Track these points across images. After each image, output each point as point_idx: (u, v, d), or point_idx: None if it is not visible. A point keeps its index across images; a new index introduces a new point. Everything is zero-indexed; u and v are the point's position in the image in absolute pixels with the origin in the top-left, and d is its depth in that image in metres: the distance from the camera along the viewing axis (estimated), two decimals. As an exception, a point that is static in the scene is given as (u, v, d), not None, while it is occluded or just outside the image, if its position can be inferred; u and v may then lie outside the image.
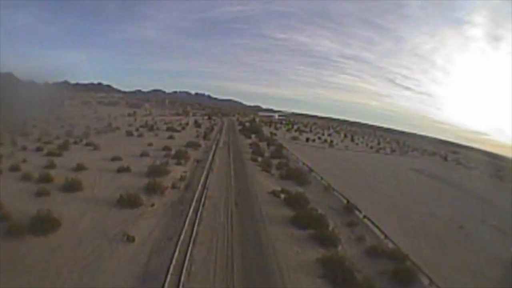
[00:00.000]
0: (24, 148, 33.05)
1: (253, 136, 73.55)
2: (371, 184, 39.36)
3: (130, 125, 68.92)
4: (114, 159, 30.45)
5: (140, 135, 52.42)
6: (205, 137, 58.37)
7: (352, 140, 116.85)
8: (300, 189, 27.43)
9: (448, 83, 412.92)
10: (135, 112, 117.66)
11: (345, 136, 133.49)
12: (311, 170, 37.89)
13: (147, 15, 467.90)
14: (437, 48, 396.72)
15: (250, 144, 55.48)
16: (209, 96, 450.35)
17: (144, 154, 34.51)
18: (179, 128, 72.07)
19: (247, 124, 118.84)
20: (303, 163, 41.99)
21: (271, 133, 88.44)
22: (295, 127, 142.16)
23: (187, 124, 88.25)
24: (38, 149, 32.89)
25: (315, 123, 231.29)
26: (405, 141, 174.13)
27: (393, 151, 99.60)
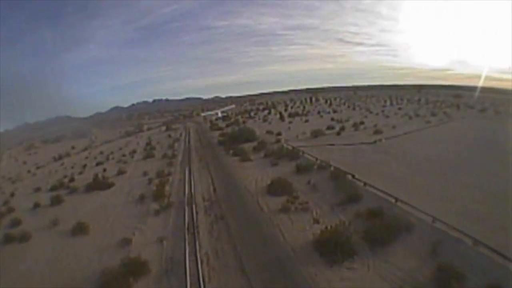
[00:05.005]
0: None
1: (251, 147, 40.35)
2: None
3: (37, 189, 37.09)
4: None
5: (24, 237, 19.56)
6: (158, 193, 25.62)
7: (369, 111, 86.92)
8: None
9: (398, 29, 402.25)
10: (67, 152, 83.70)
11: (353, 108, 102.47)
12: None
13: (86, 37, 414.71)
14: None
15: (281, 192, 21.78)
16: (167, 100, 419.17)
17: None
18: (115, 170, 39.29)
19: (222, 125, 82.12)
20: None
21: (268, 132, 54.44)
22: (281, 110, 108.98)
23: (134, 152, 54.19)
24: None
25: (292, 99, 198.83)
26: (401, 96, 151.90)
27: (433, 115, 71.31)
